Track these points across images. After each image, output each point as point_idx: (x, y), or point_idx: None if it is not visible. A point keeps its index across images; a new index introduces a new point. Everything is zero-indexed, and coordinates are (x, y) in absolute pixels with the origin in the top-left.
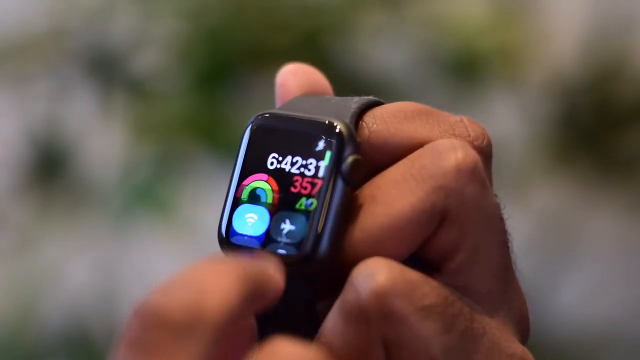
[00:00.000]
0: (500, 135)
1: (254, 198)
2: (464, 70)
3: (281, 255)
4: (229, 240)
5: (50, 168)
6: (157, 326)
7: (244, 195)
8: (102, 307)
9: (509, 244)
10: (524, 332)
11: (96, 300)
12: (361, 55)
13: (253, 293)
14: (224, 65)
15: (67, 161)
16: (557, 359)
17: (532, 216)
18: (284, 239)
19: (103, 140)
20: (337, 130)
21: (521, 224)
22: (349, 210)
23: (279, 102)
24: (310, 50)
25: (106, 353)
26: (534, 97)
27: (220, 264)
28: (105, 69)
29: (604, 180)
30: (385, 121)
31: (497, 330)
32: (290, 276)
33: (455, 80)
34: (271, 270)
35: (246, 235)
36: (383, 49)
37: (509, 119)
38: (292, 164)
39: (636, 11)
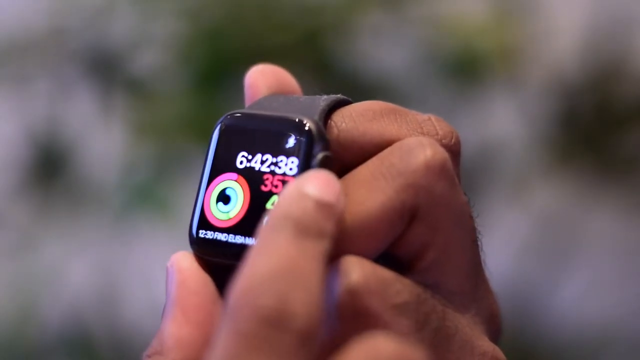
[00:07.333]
0: (500, 135)
1: (224, 197)
2: (464, 70)
3: None
4: (200, 238)
5: (50, 168)
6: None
7: (214, 194)
8: (102, 307)
9: (479, 242)
10: (495, 331)
11: (96, 300)
12: (361, 55)
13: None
14: (224, 65)
15: (67, 161)
16: (557, 359)
17: (532, 216)
18: (255, 237)
19: (103, 140)
20: (307, 128)
21: (521, 224)
22: None
23: (247, 102)
24: (310, 50)
25: (106, 353)
26: (534, 97)
27: None
28: (105, 69)
29: (604, 180)
30: (354, 120)
31: (468, 329)
32: None
33: (455, 80)
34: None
35: (218, 233)
36: (383, 49)
37: (509, 119)
38: (262, 162)
39: (636, 11)
